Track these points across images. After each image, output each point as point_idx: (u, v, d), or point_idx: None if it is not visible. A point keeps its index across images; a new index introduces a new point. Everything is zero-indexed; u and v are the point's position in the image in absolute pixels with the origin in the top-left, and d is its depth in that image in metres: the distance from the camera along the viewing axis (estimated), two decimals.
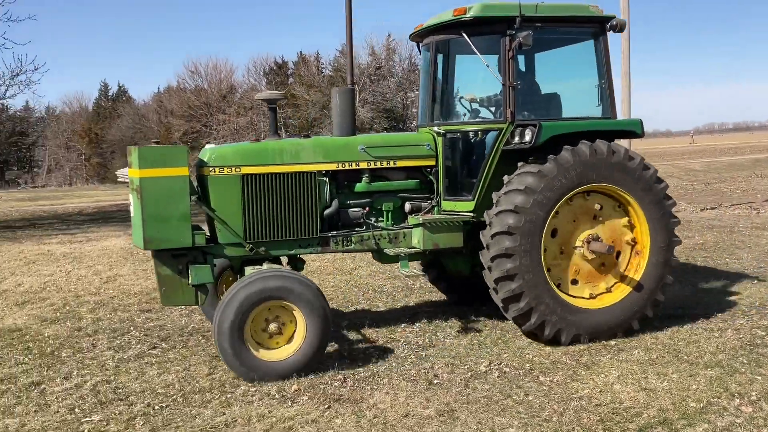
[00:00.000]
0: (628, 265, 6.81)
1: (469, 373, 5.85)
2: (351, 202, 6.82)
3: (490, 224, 6.40)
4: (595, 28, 6.96)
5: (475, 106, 7.32)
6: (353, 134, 7.02)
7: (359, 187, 6.81)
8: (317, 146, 6.63)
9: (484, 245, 6.44)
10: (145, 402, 5.39)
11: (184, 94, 53.95)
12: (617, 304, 6.65)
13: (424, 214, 6.89)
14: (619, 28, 6.88)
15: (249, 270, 6.20)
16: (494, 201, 6.48)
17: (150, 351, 6.79)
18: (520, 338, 6.83)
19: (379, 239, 6.79)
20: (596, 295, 6.74)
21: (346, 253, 9.44)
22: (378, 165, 6.80)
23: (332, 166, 6.64)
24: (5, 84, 20.29)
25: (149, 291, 9.70)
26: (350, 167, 6.70)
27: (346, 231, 6.75)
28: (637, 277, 6.71)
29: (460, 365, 6.06)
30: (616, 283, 6.79)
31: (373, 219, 6.90)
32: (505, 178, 6.50)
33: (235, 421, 4.99)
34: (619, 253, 6.78)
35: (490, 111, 7.13)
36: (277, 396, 5.42)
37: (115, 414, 5.16)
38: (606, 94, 7.04)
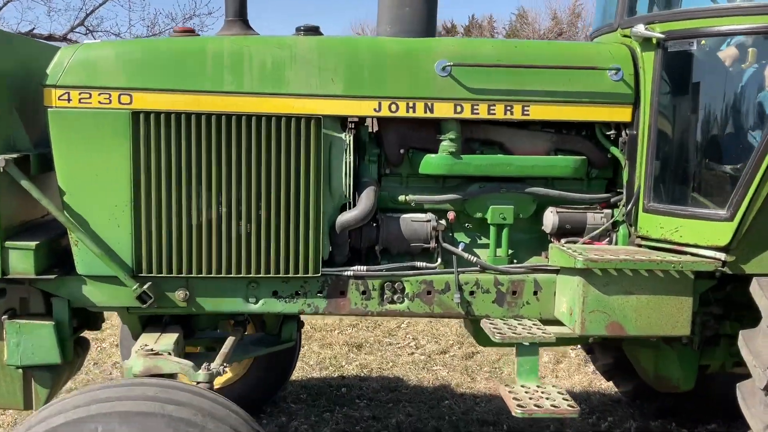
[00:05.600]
0: None
1: None
2: (409, 198, 3.21)
3: None
4: None
5: None
6: (431, 35, 3.20)
7: (432, 163, 3.13)
8: (329, 54, 2.94)
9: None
10: None
11: None
12: None
13: (592, 242, 3.15)
14: None
15: (132, 352, 2.89)
16: None
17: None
18: None
19: (473, 294, 3.08)
20: None
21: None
22: (481, 113, 3.00)
23: (366, 108, 2.98)
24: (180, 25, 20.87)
25: None
26: (413, 113, 2.98)
27: (389, 265, 3.11)
28: None
29: None
30: None
31: (464, 242, 3.25)
32: None
33: None
34: None
35: None
36: None
37: None
38: None
